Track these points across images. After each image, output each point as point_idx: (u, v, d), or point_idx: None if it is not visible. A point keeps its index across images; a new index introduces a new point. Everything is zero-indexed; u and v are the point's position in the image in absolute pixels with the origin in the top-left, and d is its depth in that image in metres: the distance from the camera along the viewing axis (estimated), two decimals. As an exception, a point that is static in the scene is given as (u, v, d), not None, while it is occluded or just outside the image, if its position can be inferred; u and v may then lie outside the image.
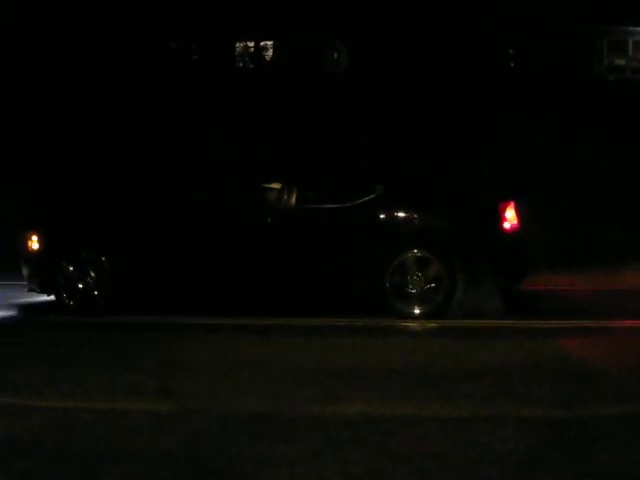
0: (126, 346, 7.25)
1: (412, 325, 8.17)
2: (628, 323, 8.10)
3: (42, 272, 9.05)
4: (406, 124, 15.40)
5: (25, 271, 9.27)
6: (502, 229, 8.45)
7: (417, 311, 8.36)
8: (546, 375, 5.79)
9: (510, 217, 8.46)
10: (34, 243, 9.10)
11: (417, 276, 8.36)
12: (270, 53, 21.26)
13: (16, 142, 16.41)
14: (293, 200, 8.82)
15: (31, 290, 9.24)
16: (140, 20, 18.00)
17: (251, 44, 21.27)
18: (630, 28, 21.41)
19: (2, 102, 16.79)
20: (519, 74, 19.02)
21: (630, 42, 21.66)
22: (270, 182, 9.02)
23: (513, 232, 8.51)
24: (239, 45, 21.19)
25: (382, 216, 8.55)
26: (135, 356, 6.70)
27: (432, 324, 8.15)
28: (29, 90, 16.88)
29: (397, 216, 8.60)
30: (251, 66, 20.83)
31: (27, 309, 9.50)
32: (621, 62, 21.68)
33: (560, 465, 3.90)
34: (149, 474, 3.86)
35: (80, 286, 8.86)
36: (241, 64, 20.86)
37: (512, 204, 8.50)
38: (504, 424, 4.54)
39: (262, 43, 21.17)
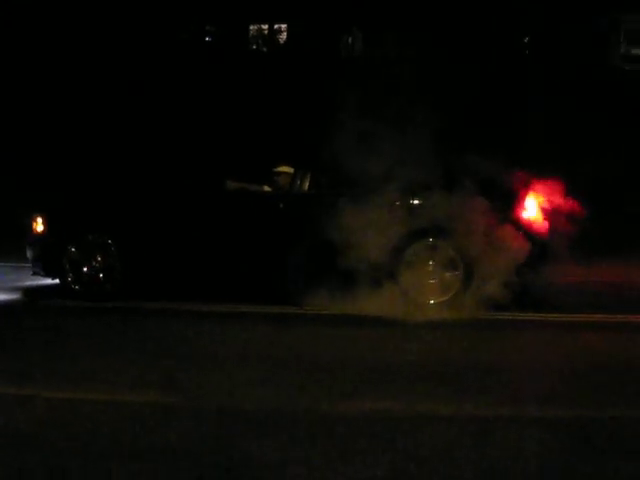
0: (132, 334, 7.01)
1: (427, 317, 7.74)
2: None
3: (47, 255, 8.80)
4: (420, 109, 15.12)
5: (30, 254, 9.05)
6: (521, 217, 8.18)
7: (432, 301, 8.10)
8: (570, 372, 5.55)
9: (530, 205, 8.19)
10: (39, 225, 8.87)
11: (431, 266, 8.10)
12: (284, 36, 21.07)
13: (26, 128, 16.33)
14: (306, 186, 8.58)
15: (35, 273, 9.02)
16: (155, 2, 17.87)
17: (265, 27, 21.09)
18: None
19: (14, 89, 16.72)
20: (534, 62, 18.86)
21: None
22: (281, 166, 8.78)
23: (533, 220, 8.22)
24: (253, 28, 21.02)
25: (396, 203, 8.25)
26: (140, 344, 6.46)
27: (448, 315, 7.79)
28: (40, 78, 16.81)
29: (410, 203, 8.31)
30: (264, 49, 20.62)
31: (31, 293, 9.28)
32: (637, 52, 21.50)
33: (585, 469, 3.68)
34: (154, 472, 3.65)
35: (85, 270, 8.64)
36: (254, 47, 20.68)
37: (533, 191, 8.22)
38: (526, 424, 4.31)
39: (276, 26, 20.98)
